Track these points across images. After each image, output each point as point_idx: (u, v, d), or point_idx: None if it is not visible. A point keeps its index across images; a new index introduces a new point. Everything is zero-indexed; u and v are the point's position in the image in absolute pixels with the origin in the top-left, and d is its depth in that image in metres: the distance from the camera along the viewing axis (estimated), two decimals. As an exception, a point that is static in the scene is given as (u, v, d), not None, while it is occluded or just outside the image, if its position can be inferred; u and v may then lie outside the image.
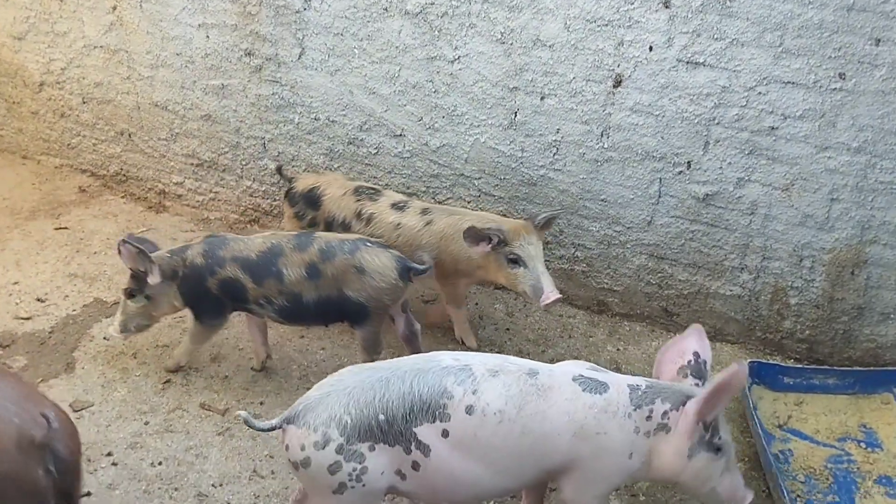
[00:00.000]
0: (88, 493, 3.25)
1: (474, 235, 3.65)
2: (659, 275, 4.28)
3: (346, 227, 3.93)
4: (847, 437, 3.59)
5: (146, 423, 3.60)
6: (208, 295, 3.64)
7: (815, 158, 3.77)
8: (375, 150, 4.64)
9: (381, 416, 2.52)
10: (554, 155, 4.24)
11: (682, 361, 2.83)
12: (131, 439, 3.51)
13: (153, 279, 3.59)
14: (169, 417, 3.64)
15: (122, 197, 5.37)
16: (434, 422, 2.54)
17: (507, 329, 4.31)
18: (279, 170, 4.37)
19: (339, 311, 3.63)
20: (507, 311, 4.32)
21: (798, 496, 3.29)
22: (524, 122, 4.24)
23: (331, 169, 4.74)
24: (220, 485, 3.32)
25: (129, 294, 3.67)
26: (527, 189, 4.38)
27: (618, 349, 4.20)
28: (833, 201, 3.82)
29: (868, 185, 3.73)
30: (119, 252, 3.56)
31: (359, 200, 3.96)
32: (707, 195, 4.02)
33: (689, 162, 3.99)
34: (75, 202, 5.25)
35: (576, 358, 4.08)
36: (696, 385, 2.77)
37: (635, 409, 2.66)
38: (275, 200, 5.06)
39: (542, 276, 3.64)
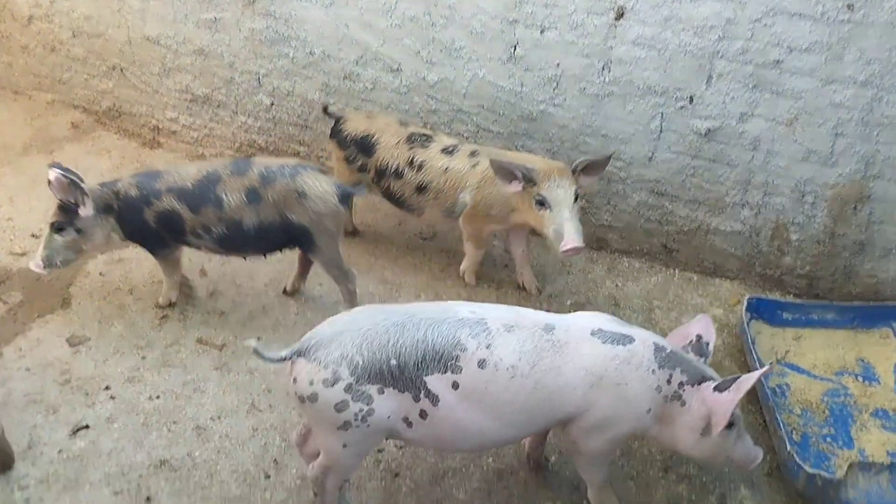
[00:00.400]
0: (87, 426, 3.26)
1: (502, 170, 3.60)
2: (659, 211, 4.24)
3: (398, 175, 3.93)
4: (844, 372, 3.59)
5: (143, 358, 3.59)
6: (147, 227, 3.60)
7: (820, 92, 3.70)
8: (372, 86, 4.55)
9: (393, 361, 2.51)
10: (554, 89, 4.17)
11: (684, 342, 2.82)
12: (129, 373, 3.51)
13: (85, 211, 3.50)
14: (166, 352, 3.63)
15: (116, 133, 5.30)
16: (445, 372, 2.53)
17: (506, 265, 4.29)
18: (326, 109, 4.23)
19: (282, 238, 3.62)
20: (505, 248, 4.29)
21: (794, 429, 3.30)
22: (524, 55, 4.15)
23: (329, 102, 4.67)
24: (218, 418, 3.33)
25: (58, 227, 3.54)
26: (526, 124, 4.31)
27: (616, 285, 4.18)
28: (837, 136, 3.76)
29: (874, 120, 3.67)
30: (49, 182, 3.44)
31: (411, 148, 3.92)
32: (709, 130, 3.96)
33: (691, 96, 3.92)
34: (68, 138, 5.18)
35: (573, 294, 4.07)
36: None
37: (659, 368, 2.65)
38: (270, 136, 4.99)
39: (566, 223, 3.55)
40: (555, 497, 3.05)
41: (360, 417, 2.51)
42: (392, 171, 3.94)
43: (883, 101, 3.62)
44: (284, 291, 4.00)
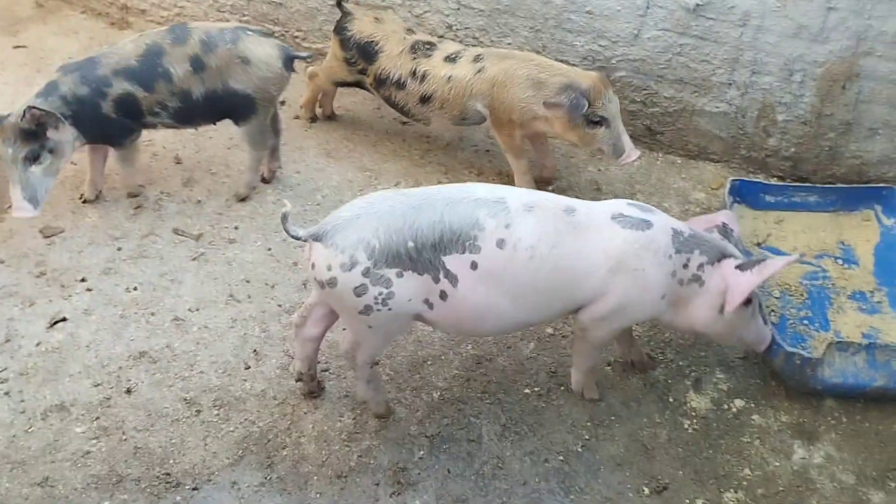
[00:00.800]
0: (64, 319, 3.25)
1: (556, 108, 3.46)
2: (644, 92, 4.12)
3: (400, 86, 3.79)
4: (824, 254, 3.58)
5: (119, 249, 3.55)
6: (109, 120, 3.46)
7: (813, -37, 3.54)
8: (347, -41, 4.33)
9: (411, 244, 2.48)
10: (536, -37, 3.98)
11: (709, 226, 2.81)
12: (105, 265, 3.48)
13: (58, 133, 3.32)
14: (142, 243, 3.59)
15: (83, 12, 5.09)
16: (463, 253, 2.50)
17: (487, 150, 4.21)
18: (340, 3, 3.94)
19: (227, 106, 3.55)
20: (489, 134, 4.19)
21: (772, 311, 3.31)
22: (505, -75, 3.94)
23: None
24: (197, 309, 3.32)
25: (33, 157, 3.31)
26: (508, 1, 4.14)
27: (598, 169, 4.11)
28: (830, 10, 3.61)
29: (868, -8, 3.53)
30: (23, 117, 3.23)
31: (414, 58, 3.76)
32: (698, 5, 3.80)
33: (679, -31, 3.75)
34: (33, 18, 4.98)
35: (555, 179, 4.01)
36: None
37: (676, 253, 2.64)
38: (244, 15, 4.79)
39: (622, 135, 3.50)
40: (532, 383, 3.09)
41: (380, 301, 2.51)
42: (394, 80, 3.80)
43: (878, -28, 3.47)
44: (263, 179, 3.92)
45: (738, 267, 2.65)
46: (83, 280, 3.42)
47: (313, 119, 4.35)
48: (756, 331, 2.84)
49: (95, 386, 3.02)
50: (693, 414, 3.01)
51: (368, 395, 2.89)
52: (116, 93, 3.42)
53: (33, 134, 3.27)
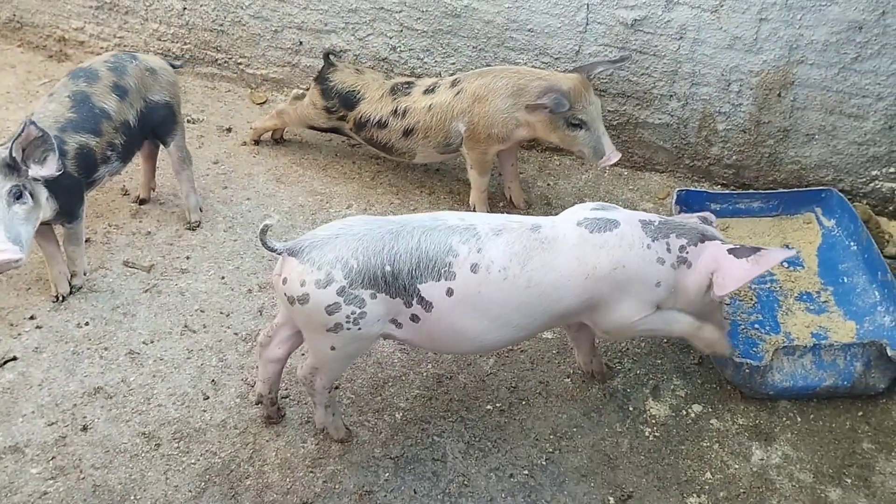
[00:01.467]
0: (14, 358, 3.18)
1: (539, 109, 3.50)
2: (588, 106, 4.19)
3: (382, 125, 3.83)
4: (770, 258, 3.67)
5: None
6: (73, 180, 3.23)
7: (744, -23, 3.66)
8: (288, -15, 4.35)
9: (388, 268, 2.52)
10: (477, -17, 4.03)
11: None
12: (53, 301, 3.41)
13: (46, 169, 3.01)
14: (92, 277, 3.53)
15: (19, 46, 5.01)
16: (439, 280, 2.55)
17: (437, 170, 4.23)
18: (327, 56, 3.98)
19: (153, 122, 3.56)
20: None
21: (724, 318, 3.38)
22: (444, -52, 3.99)
23: (242, 7, 4.45)
24: (151, 342, 3.27)
25: (16, 194, 2.95)
26: (451, 21, 4.18)
27: (548, 184, 4.17)
28: (762, 21, 3.73)
29: (797, 3, 3.64)
30: (19, 136, 2.93)
31: (395, 99, 3.81)
32: (636, 20, 3.90)
33: (617, -14, 3.84)
34: (-33, 54, 4.88)
35: (504, 196, 4.04)
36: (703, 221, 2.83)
37: (653, 241, 2.69)
38: (185, 44, 4.76)
39: (602, 137, 3.52)
40: (494, 399, 3.11)
41: (351, 320, 2.54)
42: (374, 122, 3.85)
43: (807, -16, 3.60)
44: (140, 201, 3.91)
45: (731, 252, 2.68)
46: (32, 318, 3.34)
47: (258, 142, 4.35)
48: (720, 320, 2.91)
49: (50, 425, 2.95)
50: (653, 421, 3.05)
51: (327, 420, 2.89)
52: (74, 148, 3.23)
53: (15, 169, 2.95)
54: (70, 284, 3.44)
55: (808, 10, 3.65)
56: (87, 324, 3.33)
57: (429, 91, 3.78)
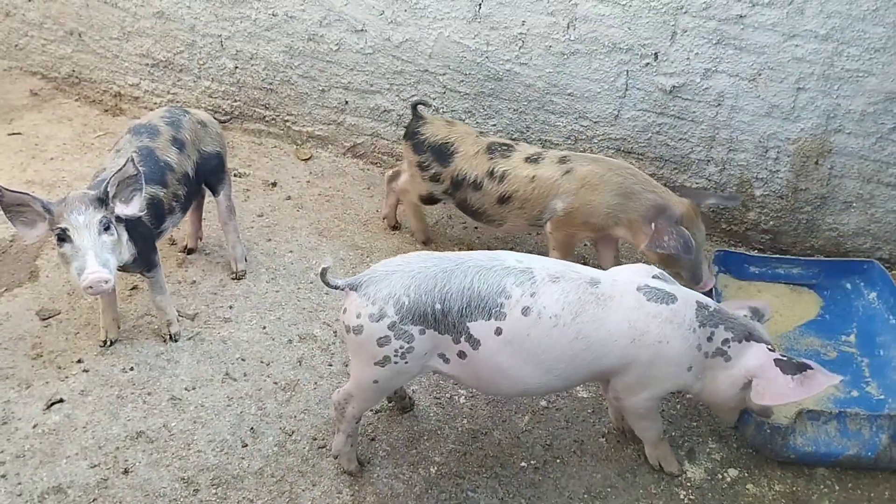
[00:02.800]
0: (61, 400, 3.26)
1: (667, 243, 3.36)
2: (626, 169, 4.26)
3: (476, 187, 3.70)
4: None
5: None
6: (146, 227, 3.34)
7: (782, 47, 3.73)
8: (336, 47, 4.51)
9: (438, 306, 2.61)
10: (520, 48, 4.16)
11: (741, 308, 2.90)
12: (101, 346, 3.50)
13: (130, 209, 3.11)
14: (138, 324, 3.63)
15: (77, 100, 5.21)
16: (489, 319, 2.62)
17: (476, 227, 4.31)
18: (415, 106, 3.89)
19: (205, 173, 3.71)
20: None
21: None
22: (489, 14, 4.13)
23: (291, 67, 4.62)
24: (193, 388, 3.34)
25: (105, 226, 3.04)
26: (493, 84, 4.30)
27: (585, 244, 4.22)
28: (799, 90, 3.80)
29: (834, 74, 3.71)
30: (118, 172, 3.03)
31: (491, 159, 3.68)
32: (674, 87, 3.98)
33: (656, 53, 3.93)
34: (27, 106, 5.09)
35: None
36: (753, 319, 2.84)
37: (700, 326, 2.72)
38: (235, 101, 4.94)
39: (702, 264, 3.49)
40: (528, 456, 3.12)
41: (399, 354, 2.63)
42: (470, 182, 3.71)
43: (843, 54, 3.66)
44: (187, 251, 4.04)
45: (777, 363, 2.66)
46: (79, 361, 3.43)
47: (396, 227, 4.29)
48: (734, 417, 2.96)
49: (92, 467, 3.02)
50: (688, 484, 3.04)
51: (345, 449, 2.96)
52: (146, 199, 3.28)
53: (105, 203, 3.04)
54: (170, 333, 3.54)
55: (846, 81, 3.71)
56: (131, 369, 3.42)
57: (531, 160, 3.64)
